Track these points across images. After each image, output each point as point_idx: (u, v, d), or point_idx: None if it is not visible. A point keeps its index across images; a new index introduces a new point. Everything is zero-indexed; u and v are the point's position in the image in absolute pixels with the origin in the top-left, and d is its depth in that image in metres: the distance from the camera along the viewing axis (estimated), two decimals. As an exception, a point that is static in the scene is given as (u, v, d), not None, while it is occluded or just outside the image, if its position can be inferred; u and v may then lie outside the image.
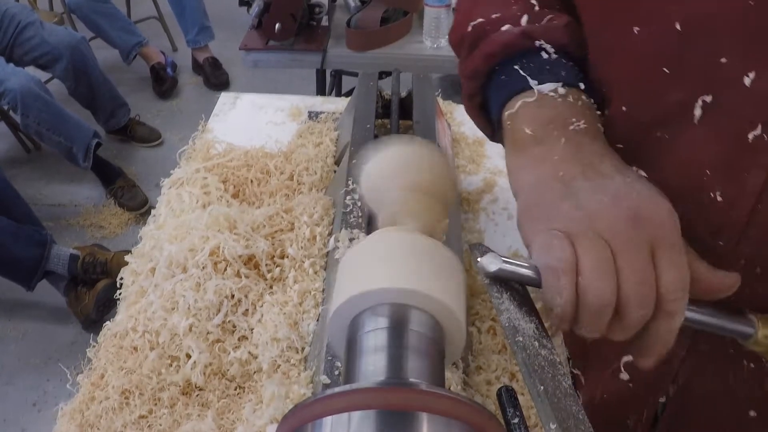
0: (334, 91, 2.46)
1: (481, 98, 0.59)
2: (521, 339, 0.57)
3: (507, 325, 0.55)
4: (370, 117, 1.01)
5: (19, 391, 1.90)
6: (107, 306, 1.98)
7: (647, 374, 0.65)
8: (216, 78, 3.32)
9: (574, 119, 0.49)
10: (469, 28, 0.57)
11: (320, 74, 2.02)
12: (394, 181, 0.45)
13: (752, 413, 0.59)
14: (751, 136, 0.44)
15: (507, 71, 0.54)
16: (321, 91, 2.07)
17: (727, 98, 0.45)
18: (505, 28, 0.54)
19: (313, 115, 1.21)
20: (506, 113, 0.53)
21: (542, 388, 0.53)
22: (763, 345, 0.48)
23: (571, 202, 0.44)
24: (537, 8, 0.55)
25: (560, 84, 0.51)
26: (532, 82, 0.52)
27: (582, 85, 0.52)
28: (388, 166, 0.45)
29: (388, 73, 1.44)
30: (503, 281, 0.64)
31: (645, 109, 0.50)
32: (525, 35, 0.53)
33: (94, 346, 0.78)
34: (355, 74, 1.71)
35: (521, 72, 0.53)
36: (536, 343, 0.60)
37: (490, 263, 0.47)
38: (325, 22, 1.90)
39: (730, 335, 0.49)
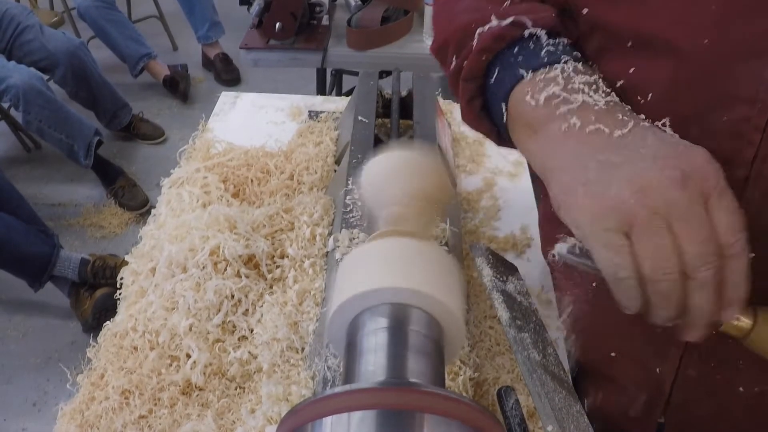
0: (334, 91, 2.46)
1: (482, 100, 0.57)
2: (522, 339, 0.57)
3: (508, 325, 0.55)
4: (371, 116, 1.00)
5: (19, 390, 1.90)
6: (105, 314, 1.98)
7: (640, 399, 0.65)
8: (227, 74, 3.31)
9: (583, 87, 0.48)
10: (454, 31, 0.56)
11: (320, 73, 2.02)
12: (393, 185, 0.45)
13: None
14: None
15: (504, 64, 0.53)
16: (321, 90, 2.07)
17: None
18: (493, 22, 0.53)
19: (313, 115, 1.21)
20: (512, 101, 0.52)
21: (542, 388, 0.53)
22: (732, 329, 0.48)
23: (617, 180, 0.43)
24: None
25: (562, 61, 0.50)
26: (532, 65, 0.51)
27: (578, 55, 0.52)
28: (388, 170, 0.45)
29: (389, 73, 1.44)
30: (503, 281, 0.64)
31: None
32: (514, 24, 0.53)
33: (94, 346, 0.78)
34: (356, 73, 1.71)
35: (518, 59, 0.52)
36: (537, 344, 0.60)
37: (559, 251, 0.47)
38: (325, 21, 1.90)
39: None
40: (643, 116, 0.48)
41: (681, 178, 0.41)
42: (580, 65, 0.51)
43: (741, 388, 0.58)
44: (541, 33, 0.52)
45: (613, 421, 0.72)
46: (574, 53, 0.52)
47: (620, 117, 0.46)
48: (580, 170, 0.45)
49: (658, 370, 0.61)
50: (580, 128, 0.46)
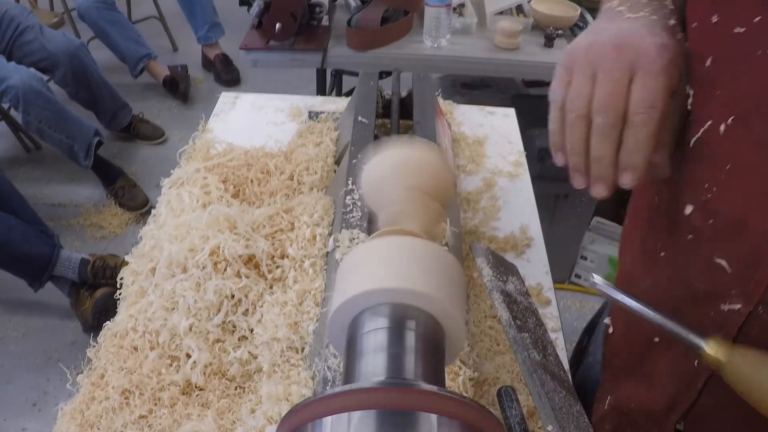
0: (334, 91, 2.46)
1: None
2: (522, 339, 0.57)
3: (508, 325, 0.55)
4: (371, 117, 1.01)
5: (19, 390, 1.90)
6: (105, 314, 1.98)
7: (667, 394, 0.63)
8: (227, 74, 3.31)
9: None
10: None
11: (320, 74, 2.02)
12: (395, 181, 0.45)
13: None
14: None
15: None
16: (321, 90, 2.07)
17: None
18: None
19: (313, 115, 1.21)
20: None
21: (543, 388, 0.53)
22: (709, 360, 0.50)
23: (589, 37, 0.54)
24: None
25: None
26: None
27: None
28: (389, 166, 0.45)
29: (389, 73, 1.45)
30: (503, 281, 0.64)
31: None
32: None
33: (94, 346, 0.78)
34: (356, 74, 1.71)
35: None
36: (537, 344, 0.60)
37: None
38: (325, 21, 1.90)
39: (685, 342, 0.51)
40: (671, 20, 0.55)
41: (618, 45, 0.51)
42: None
43: None
44: None
45: (630, 421, 0.71)
46: None
47: (645, 12, 0.56)
48: (587, 30, 0.57)
49: (696, 362, 0.59)
50: (615, 7, 0.58)
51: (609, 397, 0.74)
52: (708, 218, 0.54)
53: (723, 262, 0.53)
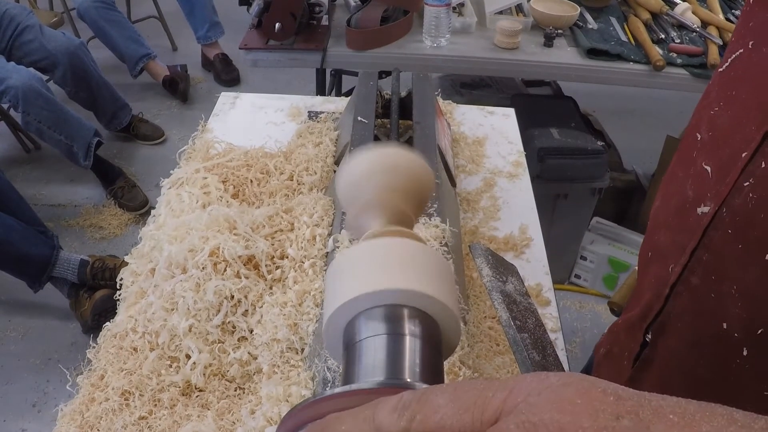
0: (333, 91, 2.46)
1: None
2: (522, 339, 0.57)
3: (507, 325, 0.55)
4: (370, 117, 1.00)
5: (18, 391, 1.90)
6: (104, 315, 1.98)
7: (644, 302, 0.68)
8: (227, 74, 3.31)
9: None
10: None
11: (320, 74, 2.02)
12: (366, 180, 0.45)
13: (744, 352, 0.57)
14: None
15: None
16: (321, 90, 2.07)
17: None
18: None
19: (312, 115, 1.21)
20: None
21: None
22: None
23: None
24: None
25: None
26: None
27: None
28: (363, 166, 0.45)
29: (388, 73, 1.44)
30: (503, 281, 0.64)
31: None
32: None
33: (94, 347, 0.78)
34: (355, 74, 1.71)
35: None
36: (537, 344, 0.60)
37: None
38: (325, 21, 1.90)
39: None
40: None
41: None
42: None
43: (725, 324, 0.57)
44: None
45: (617, 340, 0.74)
46: None
47: None
48: None
49: (671, 267, 0.63)
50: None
51: (610, 325, 0.78)
52: (710, 131, 0.60)
53: (708, 168, 0.59)
